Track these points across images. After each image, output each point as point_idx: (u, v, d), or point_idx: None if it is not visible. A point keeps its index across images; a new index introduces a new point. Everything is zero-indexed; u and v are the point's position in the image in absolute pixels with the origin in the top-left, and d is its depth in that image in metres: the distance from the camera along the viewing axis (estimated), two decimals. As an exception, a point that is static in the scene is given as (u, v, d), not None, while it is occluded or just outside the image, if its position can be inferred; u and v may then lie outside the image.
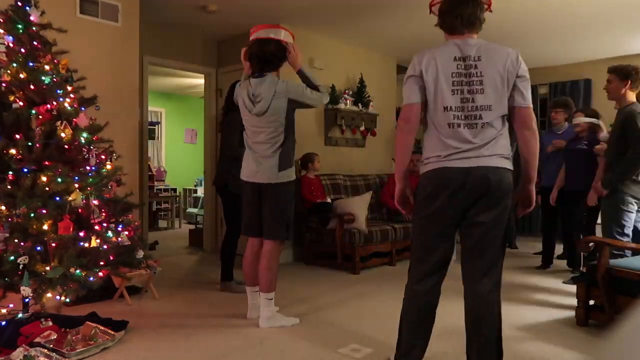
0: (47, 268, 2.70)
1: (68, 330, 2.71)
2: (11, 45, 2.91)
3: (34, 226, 2.71)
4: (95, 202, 2.98)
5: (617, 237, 3.47)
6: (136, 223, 3.33)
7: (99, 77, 3.91)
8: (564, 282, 4.37)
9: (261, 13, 4.90)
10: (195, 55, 5.88)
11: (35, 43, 2.97)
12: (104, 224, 3.02)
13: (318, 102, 3.18)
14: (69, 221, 2.76)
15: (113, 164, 3.22)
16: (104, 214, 3.05)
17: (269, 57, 3.09)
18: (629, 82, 3.47)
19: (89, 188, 2.92)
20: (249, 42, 3.17)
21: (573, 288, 3.64)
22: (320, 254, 5.21)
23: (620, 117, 3.50)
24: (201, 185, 9.04)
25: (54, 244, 2.73)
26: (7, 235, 2.69)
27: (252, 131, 3.15)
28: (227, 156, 4.10)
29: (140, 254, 3.19)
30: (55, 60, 3.05)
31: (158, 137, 9.92)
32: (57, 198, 2.78)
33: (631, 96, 3.50)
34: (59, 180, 2.77)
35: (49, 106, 2.91)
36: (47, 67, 2.96)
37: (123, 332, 2.95)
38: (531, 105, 2.10)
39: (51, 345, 2.56)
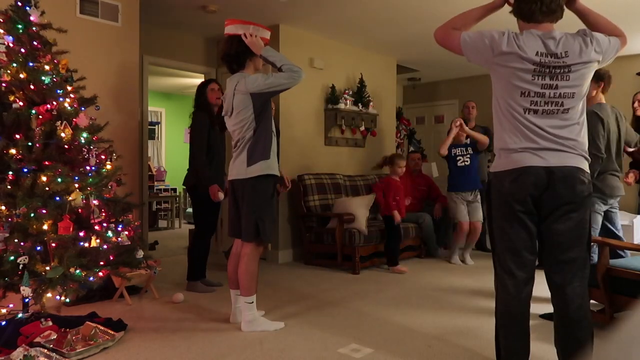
0: (47, 268, 2.70)
1: (68, 330, 2.71)
2: (11, 45, 2.91)
3: (34, 226, 2.71)
4: (95, 202, 2.98)
5: None
6: (136, 223, 3.33)
7: (99, 77, 3.91)
8: None
9: (261, 13, 4.91)
10: (195, 55, 5.88)
11: (35, 43, 2.97)
12: (104, 224, 3.02)
13: (287, 83, 2.97)
14: (69, 221, 2.76)
15: (113, 164, 3.22)
16: (104, 214, 3.05)
17: (232, 55, 3.07)
18: (602, 84, 3.46)
19: (89, 188, 2.92)
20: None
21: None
22: (320, 254, 5.21)
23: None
24: (201, 185, 9.02)
25: (54, 244, 2.73)
26: (7, 235, 2.69)
27: (231, 131, 3.12)
28: (195, 159, 3.98)
29: (140, 254, 3.19)
30: (55, 60, 3.05)
31: (158, 137, 9.91)
32: (57, 198, 2.78)
33: (600, 98, 3.49)
34: (59, 180, 2.77)
35: (49, 106, 2.91)
36: (47, 67, 2.95)
37: (123, 332, 2.95)
38: None
39: (51, 345, 2.56)
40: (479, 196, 5.28)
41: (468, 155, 5.22)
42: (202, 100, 4.06)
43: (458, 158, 5.23)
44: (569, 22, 2.22)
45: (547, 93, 1.99)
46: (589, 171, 2.05)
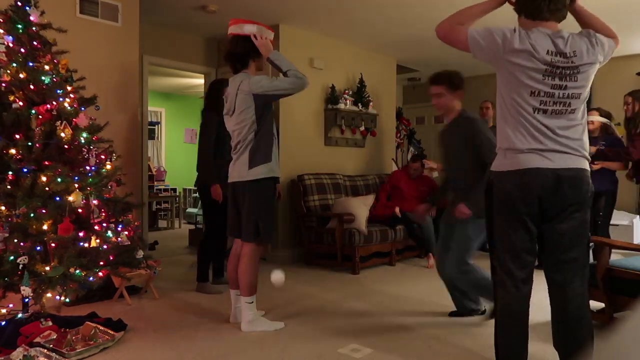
0: (47, 268, 2.70)
1: (68, 330, 2.71)
2: (11, 45, 2.91)
3: (34, 226, 2.72)
4: (95, 202, 2.98)
5: None
6: (136, 223, 3.33)
7: (99, 77, 3.91)
8: None
9: (261, 13, 4.90)
10: (195, 55, 5.87)
11: (35, 43, 2.97)
12: (104, 224, 3.02)
13: (291, 89, 2.99)
14: (69, 223, 2.76)
15: (113, 164, 3.22)
16: (103, 214, 3.05)
17: (237, 54, 3.07)
18: (462, 92, 3.18)
19: (88, 188, 2.93)
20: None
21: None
22: (320, 254, 5.21)
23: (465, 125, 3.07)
24: (201, 185, 9.01)
25: (53, 244, 2.73)
26: (7, 235, 2.69)
27: (231, 131, 3.12)
28: (201, 156, 3.99)
29: (140, 254, 3.19)
30: (55, 60, 3.05)
31: (158, 137, 9.91)
32: (57, 198, 2.78)
33: (459, 105, 3.17)
34: (59, 180, 2.77)
35: (48, 106, 2.91)
36: (47, 67, 2.96)
37: (123, 332, 2.95)
38: None
39: (51, 345, 2.56)
40: None
41: None
42: (216, 99, 3.98)
43: None
44: (568, 22, 2.21)
45: (556, 93, 1.98)
46: (589, 170, 2.05)
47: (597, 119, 4.40)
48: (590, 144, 3.71)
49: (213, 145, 3.93)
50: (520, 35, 1.99)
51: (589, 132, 4.27)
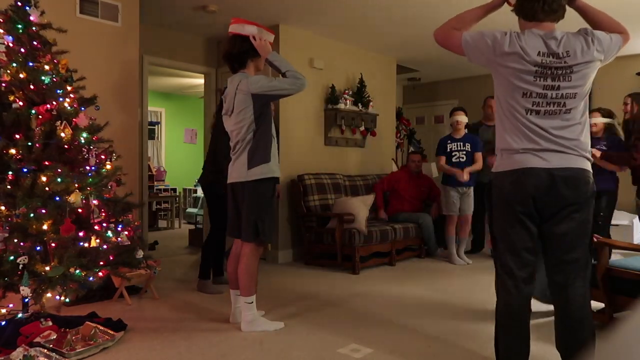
0: (47, 268, 2.70)
1: (68, 330, 2.71)
2: (11, 45, 2.91)
3: (34, 226, 2.71)
4: (95, 202, 2.98)
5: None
6: (136, 223, 3.33)
7: (99, 77, 3.91)
8: None
9: (261, 13, 4.90)
10: (195, 55, 5.88)
11: (35, 43, 2.97)
12: (104, 224, 3.02)
13: (289, 89, 3.00)
14: (70, 224, 2.75)
15: (113, 164, 3.22)
16: (103, 214, 3.05)
17: (234, 54, 3.08)
18: None
19: (88, 188, 2.92)
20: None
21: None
22: (320, 254, 5.21)
23: None
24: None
25: (53, 244, 2.73)
26: (7, 235, 2.69)
27: (230, 131, 3.12)
28: (214, 159, 4.00)
29: (140, 254, 3.19)
30: (55, 60, 3.05)
31: (158, 137, 9.91)
32: (57, 198, 2.78)
33: None
34: (59, 180, 2.77)
35: (48, 106, 2.91)
36: (47, 67, 2.95)
37: (123, 332, 2.95)
38: None
39: (51, 345, 2.56)
40: (472, 190, 5.29)
41: (464, 152, 5.23)
42: None
43: (454, 153, 5.24)
44: (569, 21, 2.21)
45: (549, 94, 1.99)
46: (591, 170, 2.05)
47: (600, 120, 4.39)
48: (593, 144, 3.75)
49: (227, 145, 3.98)
50: (510, 38, 2.00)
51: (592, 133, 4.28)
